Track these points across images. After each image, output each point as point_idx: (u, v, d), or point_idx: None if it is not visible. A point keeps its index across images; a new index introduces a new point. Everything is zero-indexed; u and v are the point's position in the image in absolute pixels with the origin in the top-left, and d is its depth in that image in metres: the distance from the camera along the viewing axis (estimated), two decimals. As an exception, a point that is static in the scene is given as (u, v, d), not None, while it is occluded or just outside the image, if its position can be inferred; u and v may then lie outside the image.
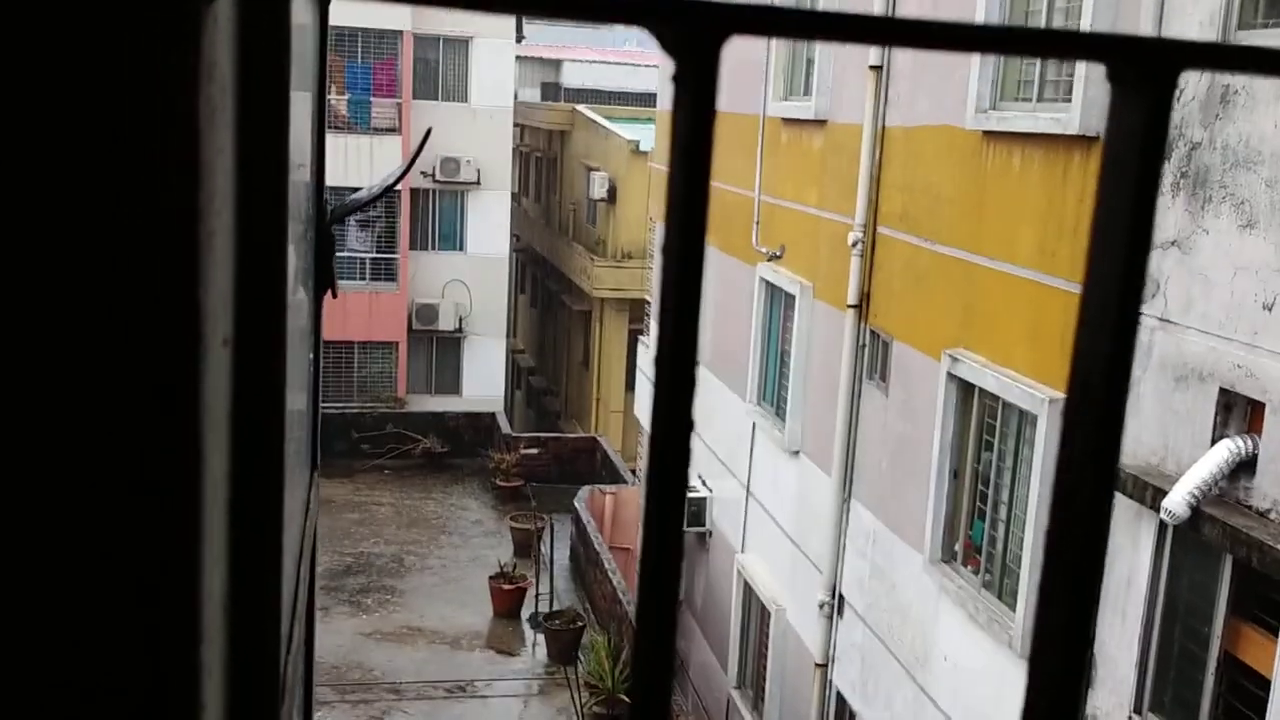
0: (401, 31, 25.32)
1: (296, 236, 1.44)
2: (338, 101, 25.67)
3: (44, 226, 0.46)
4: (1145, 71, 0.51)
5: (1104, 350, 0.53)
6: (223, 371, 0.58)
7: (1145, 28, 6.92)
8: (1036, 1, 8.37)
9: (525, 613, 18.22)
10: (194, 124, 0.46)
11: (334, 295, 1.68)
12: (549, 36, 43.72)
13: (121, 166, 0.45)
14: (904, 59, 10.10)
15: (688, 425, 0.48)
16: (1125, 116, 0.52)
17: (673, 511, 0.49)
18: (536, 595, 18.06)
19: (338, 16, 26.49)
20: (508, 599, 18.22)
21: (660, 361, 0.49)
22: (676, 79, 0.48)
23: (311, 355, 1.63)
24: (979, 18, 8.67)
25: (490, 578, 18.41)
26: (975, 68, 8.76)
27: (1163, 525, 6.53)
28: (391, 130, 25.72)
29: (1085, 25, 7.45)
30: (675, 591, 0.50)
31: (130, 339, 0.48)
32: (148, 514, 0.50)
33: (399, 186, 25.60)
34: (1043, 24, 8.22)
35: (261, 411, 0.66)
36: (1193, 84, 6.61)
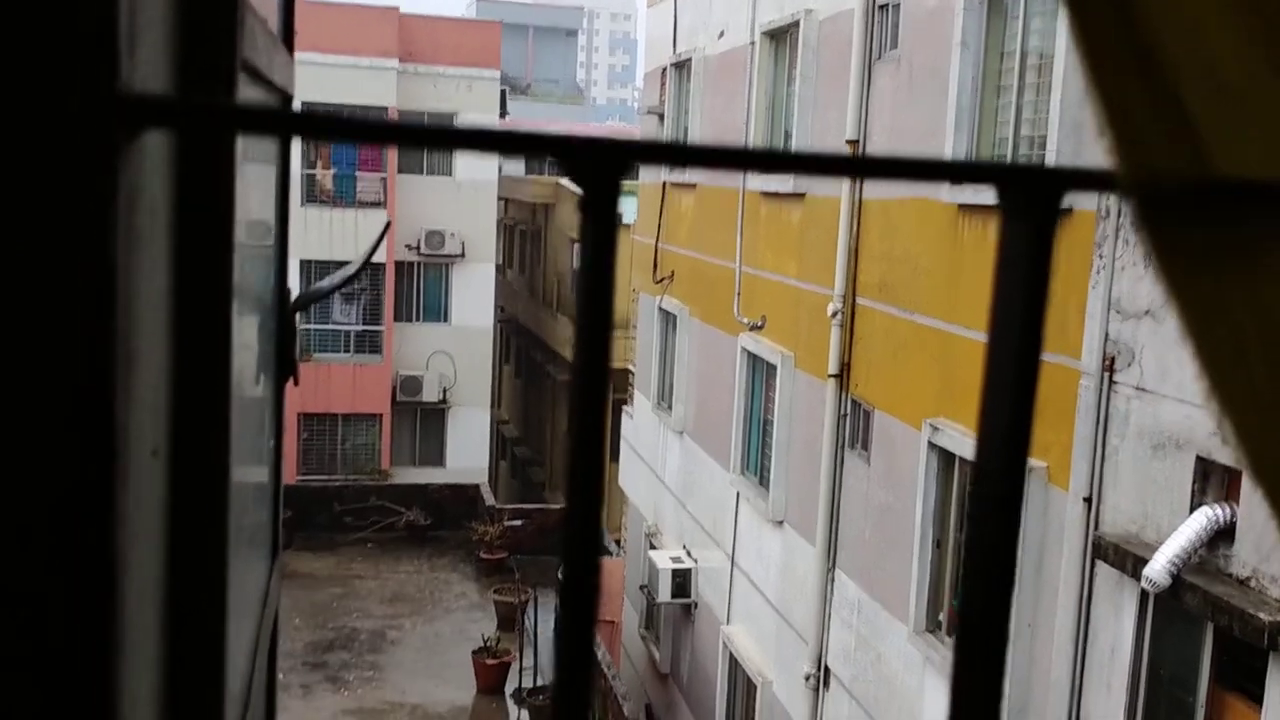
0: (387, 108, 25.63)
1: (258, 325, 1.46)
2: (323, 176, 25.88)
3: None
4: (1032, 195, 0.54)
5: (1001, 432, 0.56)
6: (153, 482, 0.60)
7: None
8: (1005, 129, 8.56)
9: (509, 688, 17.99)
10: (109, 250, 0.48)
11: (295, 383, 1.70)
12: (534, 112, 44.26)
13: (27, 292, 0.47)
14: (880, 134, 10.26)
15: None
16: (1014, 237, 0.55)
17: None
18: (520, 670, 17.85)
19: (323, 93, 26.51)
20: (491, 674, 17.99)
21: (572, 477, 0.50)
22: (582, 206, 0.51)
23: (273, 442, 1.64)
24: (949, 126, 8.84)
25: (474, 652, 18.20)
26: (950, 140, 8.90)
27: (1144, 594, 6.53)
28: (377, 204, 25.93)
29: (1053, 138, 7.59)
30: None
31: (41, 452, 0.50)
32: (60, 635, 0.51)
33: (383, 260, 25.73)
34: (1010, 139, 8.39)
35: (200, 517, 0.67)
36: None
